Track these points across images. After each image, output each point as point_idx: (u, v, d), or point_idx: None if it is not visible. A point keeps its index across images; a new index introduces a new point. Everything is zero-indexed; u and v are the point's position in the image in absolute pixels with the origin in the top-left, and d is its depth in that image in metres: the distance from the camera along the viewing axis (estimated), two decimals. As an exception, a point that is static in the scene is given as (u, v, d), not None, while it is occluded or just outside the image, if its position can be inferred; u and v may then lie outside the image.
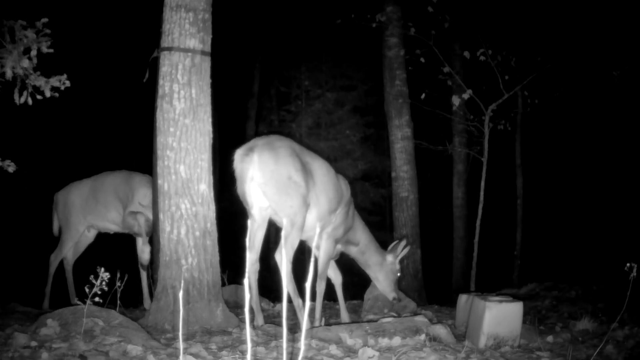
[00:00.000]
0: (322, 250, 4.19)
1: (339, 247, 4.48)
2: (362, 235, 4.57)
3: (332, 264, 4.51)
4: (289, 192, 3.67)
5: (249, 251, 3.85)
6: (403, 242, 4.67)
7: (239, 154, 3.76)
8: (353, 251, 4.58)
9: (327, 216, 4.05)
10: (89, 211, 5.68)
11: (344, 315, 4.47)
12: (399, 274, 4.68)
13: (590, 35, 8.10)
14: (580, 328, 4.17)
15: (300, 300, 3.75)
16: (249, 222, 3.72)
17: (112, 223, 5.67)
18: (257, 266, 4.01)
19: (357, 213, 4.58)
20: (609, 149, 13.93)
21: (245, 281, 1.70)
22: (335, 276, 4.56)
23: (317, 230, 4.05)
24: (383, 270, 4.61)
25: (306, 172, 3.78)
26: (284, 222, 3.76)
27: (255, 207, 3.86)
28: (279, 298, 5.59)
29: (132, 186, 5.45)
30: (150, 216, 5.09)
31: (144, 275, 5.50)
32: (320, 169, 3.97)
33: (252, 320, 3.94)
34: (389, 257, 4.60)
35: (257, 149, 3.70)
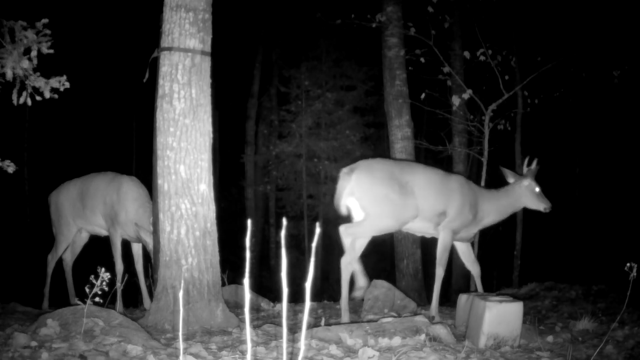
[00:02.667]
0: (439, 240, 4.53)
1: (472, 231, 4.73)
2: (491, 211, 4.70)
3: (471, 256, 4.80)
4: (382, 209, 4.22)
5: (346, 255, 4.33)
6: (534, 162, 4.74)
7: (342, 172, 4.31)
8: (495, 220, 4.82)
9: (434, 217, 4.43)
10: (77, 215, 5.58)
11: (434, 305, 4.58)
12: (537, 189, 4.71)
13: (590, 35, 8.10)
14: (580, 328, 4.17)
15: (346, 293, 4.23)
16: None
17: (101, 228, 5.58)
18: (351, 267, 4.35)
19: (485, 193, 4.73)
20: (609, 148, 13.93)
21: (246, 281, 1.70)
22: (474, 268, 4.80)
23: (429, 230, 4.57)
24: (527, 196, 4.71)
25: (406, 191, 4.26)
26: (364, 221, 4.26)
27: (348, 217, 4.39)
28: (279, 298, 5.59)
29: (119, 193, 5.31)
30: (149, 230, 5.00)
31: (142, 275, 5.49)
32: (420, 181, 4.37)
33: (252, 320, 3.95)
34: (524, 182, 4.70)
35: (356, 170, 4.25)
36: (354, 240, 4.35)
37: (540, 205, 4.68)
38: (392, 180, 4.23)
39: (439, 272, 4.51)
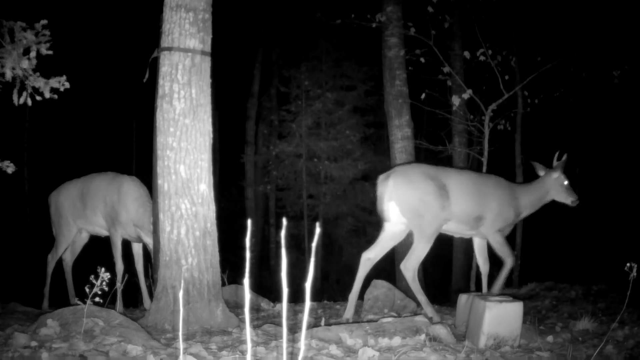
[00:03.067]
0: (491, 241, 4.68)
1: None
2: (527, 205, 4.81)
3: (485, 254, 4.88)
4: (419, 211, 4.32)
5: (370, 251, 4.53)
6: (564, 156, 4.87)
7: (380, 178, 4.47)
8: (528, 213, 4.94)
9: (470, 221, 4.56)
10: (77, 215, 5.58)
11: (498, 286, 4.70)
12: (566, 182, 4.82)
13: (590, 35, 8.10)
14: (580, 328, 4.17)
15: (425, 297, 4.37)
16: (381, 232, 4.58)
17: (101, 228, 5.58)
18: (370, 263, 4.53)
19: (520, 188, 4.86)
20: (609, 148, 13.93)
21: (246, 281, 1.70)
22: (484, 266, 4.89)
23: (468, 232, 4.71)
24: (556, 188, 4.82)
25: (442, 193, 4.37)
26: (414, 235, 4.40)
27: (392, 221, 4.49)
28: (279, 298, 5.59)
29: (120, 193, 5.31)
30: (150, 230, 5.00)
31: (142, 275, 5.49)
32: (457, 185, 4.48)
33: (252, 320, 3.96)
34: (554, 174, 4.81)
35: (393, 175, 4.41)
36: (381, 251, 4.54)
37: (568, 198, 4.80)
38: (427, 183, 4.36)
39: (508, 263, 4.62)
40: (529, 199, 4.78)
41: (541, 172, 4.87)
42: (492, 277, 4.90)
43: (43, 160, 15.03)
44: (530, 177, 5.15)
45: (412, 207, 4.33)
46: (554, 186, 4.77)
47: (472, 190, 4.54)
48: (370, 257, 4.50)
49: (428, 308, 4.39)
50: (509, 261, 4.64)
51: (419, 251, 4.37)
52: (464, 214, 4.50)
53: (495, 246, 4.66)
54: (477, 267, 6.19)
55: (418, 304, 5.34)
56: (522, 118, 8.65)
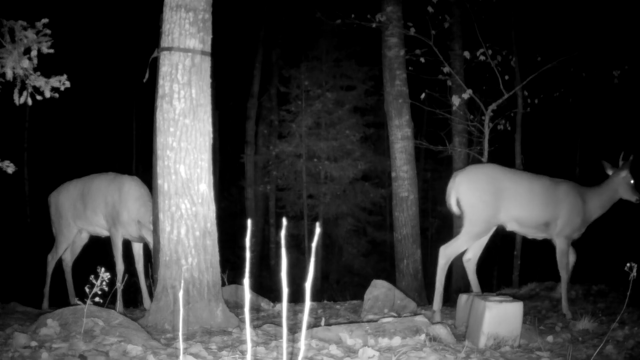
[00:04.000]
0: (557, 247, 4.83)
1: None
2: (597, 207, 4.96)
3: (570, 248, 4.98)
4: (474, 208, 4.55)
5: (467, 252, 4.76)
6: (631, 156, 4.98)
7: (452, 177, 4.73)
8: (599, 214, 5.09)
9: (540, 226, 4.73)
10: (77, 216, 5.57)
11: (564, 305, 4.80)
12: (632, 180, 4.96)
13: (590, 35, 8.10)
14: (580, 328, 4.17)
15: (441, 287, 4.56)
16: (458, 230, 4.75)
17: (102, 228, 5.58)
18: (471, 264, 4.82)
19: (590, 192, 4.95)
20: (609, 148, 13.90)
21: (246, 281, 1.70)
22: (571, 256, 4.99)
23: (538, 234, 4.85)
24: (623, 187, 4.95)
25: (500, 196, 4.56)
26: (463, 226, 4.58)
27: (458, 215, 4.72)
28: (279, 298, 5.58)
29: (121, 193, 5.31)
30: (150, 227, 5.00)
31: (142, 275, 5.49)
32: (523, 190, 4.66)
33: (252, 320, 3.96)
34: (622, 174, 4.93)
35: (460, 173, 4.69)
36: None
37: (632, 196, 4.95)
38: (489, 184, 4.57)
39: (563, 276, 4.80)
40: (600, 200, 4.93)
41: (609, 172, 5.02)
42: (485, 278, 4.97)
43: (43, 160, 15.03)
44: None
45: (467, 203, 4.57)
46: (622, 185, 4.92)
47: (541, 197, 4.69)
48: (470, 257, 4.79)
49: (437, 298, 4.55)
50: (563, 274, 4.80)
51: (460, 242, 4.58)
52: (528, 219, 4.69)
53: (557, 252, 4.82)
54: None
55: (418, 304, 5.34)
56: (522, 118, 8.64)
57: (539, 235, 4.88)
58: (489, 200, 4.52)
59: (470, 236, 4.56)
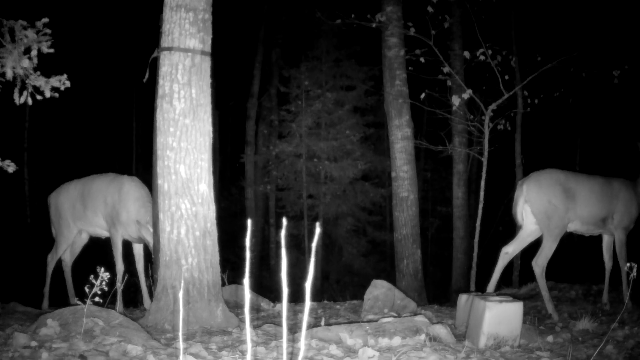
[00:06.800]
0: (616, 240, 5.09)
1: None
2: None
3: (610, 251, 5.27)
4: (547, 213, 4.82)
5: (509, 245, 5.07)
6: None
7: (518, 183, 5.02)
8: None
9: (598, 222, 5.00)
10: (77, 216, 5.56)
11: (626, 295, 4.85)
12: None
13: (590, 35, 8.10)
14: (580, 328, 4.17)
15: (548, 294, 4.80)
16: (520, 230, 5.04)
17: (102, 229, 5.57)
18: (507, 257, 5.07)
19: (638, 184, 5.17)
20: (608, 148, 13.92)
21: (246, 281, 1.70)
22: (608, 261, 5.27)
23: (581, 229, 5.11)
24: None
25: (567, 196, 4.83)
26: (543, 234, 4.89)
27: (526, 222, 5.01)
28: (279, 298, 5.58)
29: (121, 193, 5.30)
30: (150, 229, 4.99)
31: (142, 275, 5.48)
32: (584, 189, 4.93)
33: (252, 320, 3.96)
34: None
35: (527, 180, 4.95)
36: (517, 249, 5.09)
37: None
38: (556, 187, 4.84)
39: (623, 267, 4.94)
40: None
41: None
42: (485, 278, 5.03)
43: (43, 160, 15.03)
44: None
45: (541, 209, 4.82)
46: None
47: (599, 194, 4.97)
48: (509, 251, 5.03)
49: (549, 305, 4.76)
50: (623, 265, 4.98)
51: (547, 249, 4.81)
52: (590, 216, 4.94)
53: (617, 244, 5.05)
54: (473, 267, 6.29)
55: (418, 304, 5.34)
56: (522, 118, 8.65)
57: (596, 232, 5.11)
58: (558, 203, 4.78)
59: (553, 240, 4.81)
